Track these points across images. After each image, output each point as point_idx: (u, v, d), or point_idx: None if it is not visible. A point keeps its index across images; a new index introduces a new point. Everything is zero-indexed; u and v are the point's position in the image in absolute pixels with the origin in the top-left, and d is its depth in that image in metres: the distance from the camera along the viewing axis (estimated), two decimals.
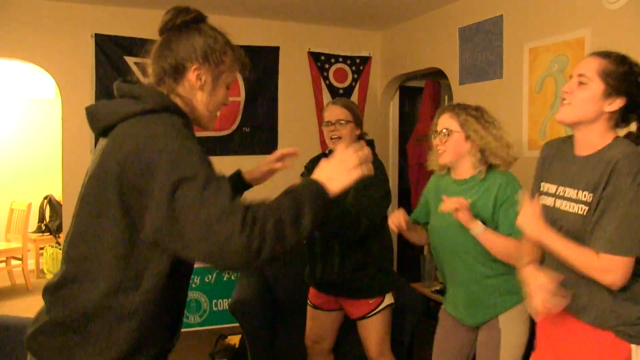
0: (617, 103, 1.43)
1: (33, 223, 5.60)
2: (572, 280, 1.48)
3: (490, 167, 1.90)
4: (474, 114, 1.90)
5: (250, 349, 2.60)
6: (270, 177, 1.75)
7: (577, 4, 2.66)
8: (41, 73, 3.83)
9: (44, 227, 5.76)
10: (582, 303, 1.47)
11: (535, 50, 2.91)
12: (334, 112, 2.28)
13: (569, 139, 1.61)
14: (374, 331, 2.30)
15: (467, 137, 1.88)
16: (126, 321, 1.11)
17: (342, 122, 2.25)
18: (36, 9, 3.49)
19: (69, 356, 1.12)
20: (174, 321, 1.25)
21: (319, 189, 1.15)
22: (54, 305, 1.15)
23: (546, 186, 1.59)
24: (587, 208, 1.42)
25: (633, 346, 1.41)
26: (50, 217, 5.79)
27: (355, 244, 2.20)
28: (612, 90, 1.42)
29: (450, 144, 1.90)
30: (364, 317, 2.29)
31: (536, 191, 1.65)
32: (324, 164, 1.20)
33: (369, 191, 2.12)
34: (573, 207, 1.46)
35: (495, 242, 1.78)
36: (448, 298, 2.04)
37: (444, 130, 1.91)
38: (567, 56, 2.72)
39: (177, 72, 1.23)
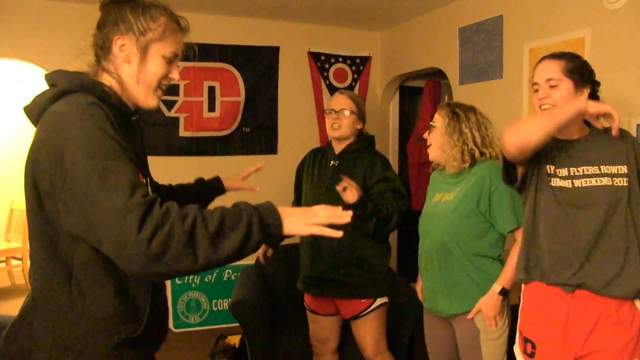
0: (586, 92, 1.59)
1: None
2: (599, 254, 1.51)
3: (474, 158, 1.96)
4: (458, 112, 1.98)
5: (250, 349, 2.60)
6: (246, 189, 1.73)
7: (577, 4, 2.66)
8: (41, 73, 3.83)
9: None
10: (609, 277, 1.50)
11: (535, 50, 2.90)
12: (340, 101, 2.28)
13: None
14: (368, 330, 2.28)
15: (448, 133, 1.96)
16: (67, 313, 1.06)
17: (345, 111, 2.25)
18: (36, 9, 3.49)
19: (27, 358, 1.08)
20: (130, 309, 1.12)
21: (271, 210, 1.06)
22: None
23: (554, 169, 1.62)
24: (627, 178, 1.54)
25: None
26: None
27: (345, 243, 2.15)
28: (579, 83, 1.58)
29: (434, 138, 2.01)
30: (356, 317, 2.27)
31: None
32: (294, 208, 1.12)
33: (391, 184, 2.17)
34: (600, 181, 1.54)
35: (514, 254, 1.82)
36: (426, 294, 2.07)
37: (430, 125, 2.04)
38: None
39: (104, 48, 1.15)
